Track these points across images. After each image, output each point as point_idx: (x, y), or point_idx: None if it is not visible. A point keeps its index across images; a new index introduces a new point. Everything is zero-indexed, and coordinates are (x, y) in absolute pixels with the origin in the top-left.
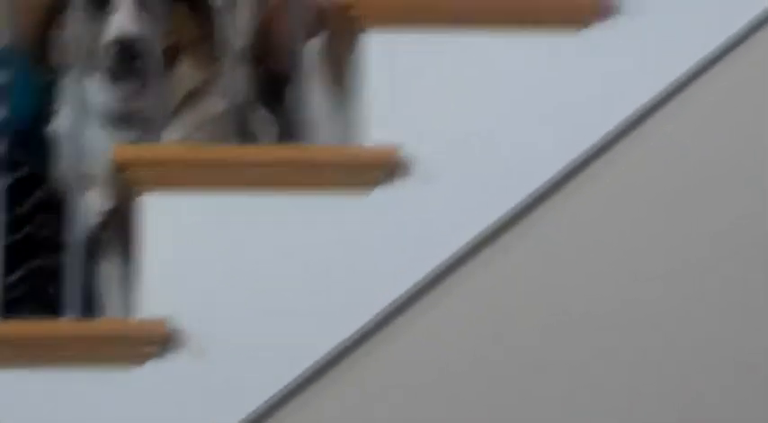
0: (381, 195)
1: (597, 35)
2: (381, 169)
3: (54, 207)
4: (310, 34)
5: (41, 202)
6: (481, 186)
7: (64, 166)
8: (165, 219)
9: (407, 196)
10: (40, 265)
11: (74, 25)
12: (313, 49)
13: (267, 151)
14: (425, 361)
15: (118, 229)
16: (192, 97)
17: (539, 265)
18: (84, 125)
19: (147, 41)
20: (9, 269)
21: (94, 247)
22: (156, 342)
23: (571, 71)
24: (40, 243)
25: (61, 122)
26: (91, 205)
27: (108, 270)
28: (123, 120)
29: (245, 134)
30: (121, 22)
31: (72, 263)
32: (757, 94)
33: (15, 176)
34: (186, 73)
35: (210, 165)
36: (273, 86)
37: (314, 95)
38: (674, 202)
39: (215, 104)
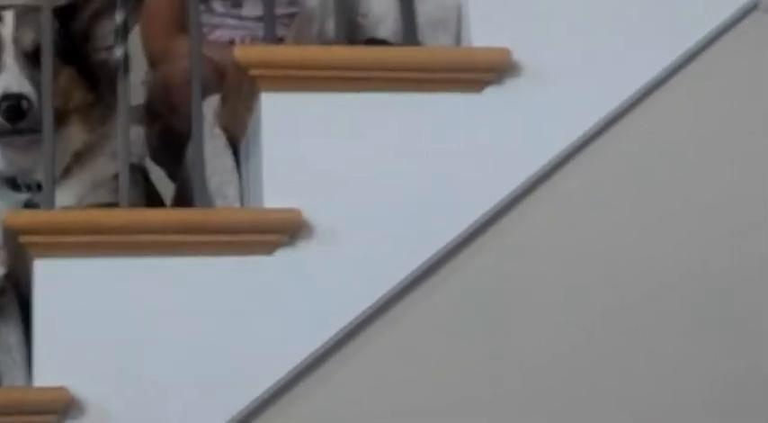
0: (285, 256)
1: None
2: (284, 232)
3: None
4: (207, 91)
5: None
6: (384, 249)
7: None
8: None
9: (309, 258)
10: None
11: None
12: (210, 106)
13: (165, 215)
14: None
15: (14, 294)
16: (81, 159)
17: None
18: None
19: (32, 100)
20: None
21: None
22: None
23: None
24: None
25: None
26: None
27: (6, 337)
28: (13, 181)
29: (141, 195)
30: (7, 80)
31: None
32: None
33: None
34: (75, 135)
35: (104, 230)
36: (171, 144)
37: (212, 154)
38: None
39: (106, 166)
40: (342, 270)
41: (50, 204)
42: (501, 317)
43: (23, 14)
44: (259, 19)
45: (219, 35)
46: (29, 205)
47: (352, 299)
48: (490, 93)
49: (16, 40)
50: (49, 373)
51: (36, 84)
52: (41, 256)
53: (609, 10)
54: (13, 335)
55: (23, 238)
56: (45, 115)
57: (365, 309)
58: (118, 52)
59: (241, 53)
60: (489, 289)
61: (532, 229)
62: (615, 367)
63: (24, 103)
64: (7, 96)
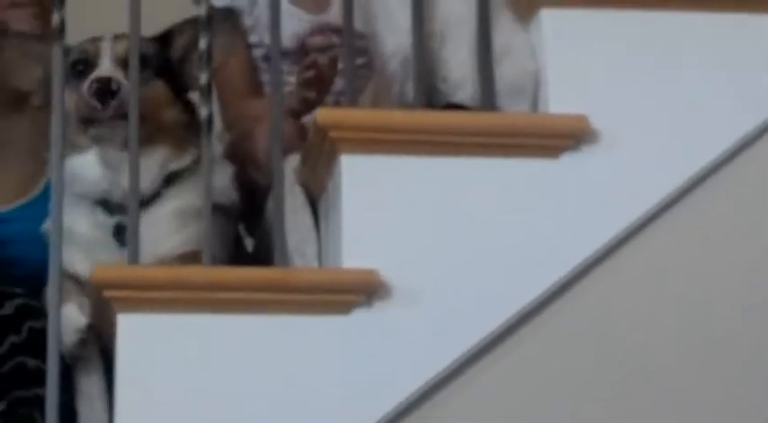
0: (361, 316)
1: (573, 162)
2: (360, 292)
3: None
4: (288, 150)
5: (36, 331)
6: (460, 310)
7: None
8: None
9: (386, 318)
10: (25, 395)
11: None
12: (290, 164)
13: (246, 273)
14: None
15: (96, 345)
16: (171, 183)
17: None
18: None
19: (121, 83)
20: None
21: (74, 365)
22: None
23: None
24: (31, 372)
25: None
26: (68, 321)
27: (88, 387)
28: (105, 203)
29: (230, 240)
30: (100, 69)
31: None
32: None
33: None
34: (165, 155)
35: (187, 287)
36: (250, 199)
37: (291, 211)
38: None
39: (195, 197)
40: (417, 331)
41: (135, 259)
42: (577, 377)
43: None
44: None
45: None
46: (119, 229)
47: (428, 359)
48: (567, 158)
49: (113, 49)
50: None
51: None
52: (126, 311)
53: (686, 79)
54: (95, 386)
55: (108, 293)
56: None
57: (440, 370)
58: (203, 112)
59: (322, 115)
60: (569, 346)
61: (609, 294)
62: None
63: (114, 84)
64: (98, 79)
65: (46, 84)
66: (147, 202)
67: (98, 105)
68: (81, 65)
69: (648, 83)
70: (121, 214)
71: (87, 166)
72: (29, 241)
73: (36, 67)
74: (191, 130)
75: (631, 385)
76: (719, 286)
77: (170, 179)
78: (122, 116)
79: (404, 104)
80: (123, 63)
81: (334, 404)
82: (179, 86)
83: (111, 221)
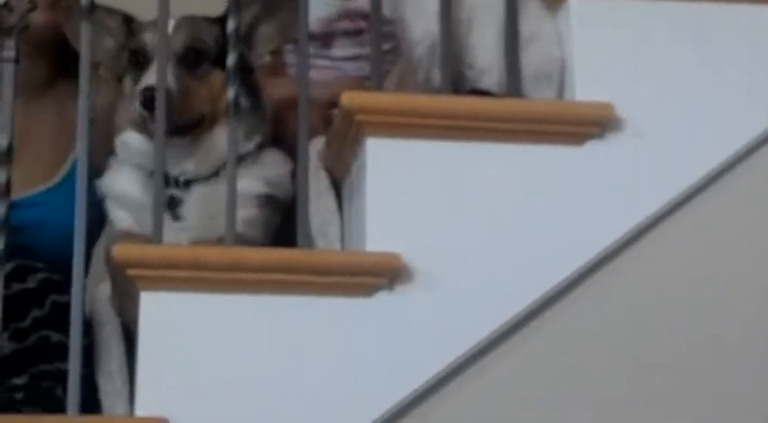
0: (384, 299)
1: (598, 150)
2: (382, 275)
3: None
4: (314, 132)
5: (59, 305)
6: (483, 295)
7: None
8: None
9: (408, 301)
10: (48, 369)
11: None
12: (315, 147)
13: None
14: None
15: (118, 322)
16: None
17: None
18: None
19: (172, 91)
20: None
21: (96, 340)
22: None
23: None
24: (54, 347)
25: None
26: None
27: (108, 363)
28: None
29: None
30: (149, 75)
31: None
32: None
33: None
34: (224, 139)
35: (210, 267)
36: None
37: (315, 194)
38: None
39: (254, 183)
40: (438, 316)
41: (159, 239)
42: (598, 364)
43: (182, 22)
44: (350, 59)
45: (311, 77)
46: (172, 202)
47: (447, 344)
48: (591, 146)
49: (170, 43)
50: (149, 403)
51: (181, 81)
52: (148, 289)
53: (713, 70)
54: (115, 362)
55: (131, 271)
56: (156, 147)
57: (459, 355)
58: (230, 94)
59: (348, 99)
60: (589, 336)
61: (631, 283)
62: None
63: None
64: (147, 88)
65: (115, 56)
66: (206, 178)
67: (146, 114)
68: (141, 56)
69: (675, 73)
70: (176, 188)
71: (140, 141)
72: (52, 227)
73: (108, 38)
74: (256, 114)
75: (647, 377)
76: (740, 277)
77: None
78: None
79: (430, 90)
80: (179, 59)
81: (354, 387)
82: (243, 66)
83: (164, 193)
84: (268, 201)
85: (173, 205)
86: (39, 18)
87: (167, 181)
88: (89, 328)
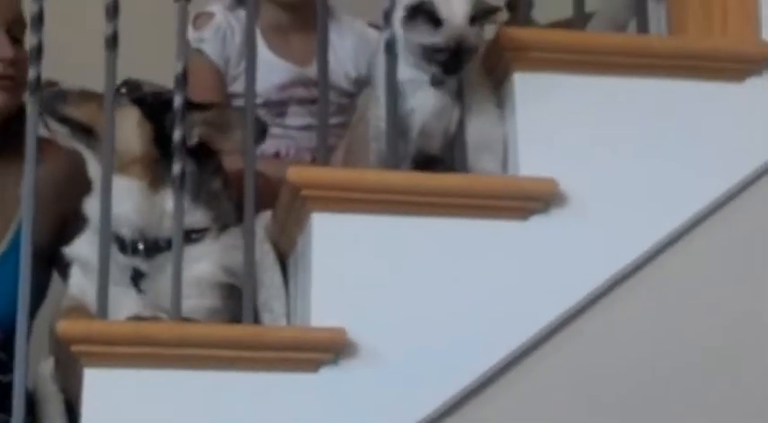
0: (329, 374)
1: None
2: (328, 351)
3: None
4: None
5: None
6: (427, 369)
7: None
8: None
9: (353, 377)
10: None
11: None
12: (261, 221)
13: (212, 330)
14: None
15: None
16: None
17: None
18: None
19: None
20: None
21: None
22: None
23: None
24: None
25: None
26: None
27: None
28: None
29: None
30: None
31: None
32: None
33: None
34: None
35: (154, 343)
36: None
37: (261, 268)
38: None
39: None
40: (384, 390)
41: (103, 314)
42: None
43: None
44: (303, 128)
45: (264, 146)
46: (135, 276)
47: (392, 419)
48: (535, 221)
49: None
50: None
51: None
52: (92, 365)
53: (655, 145)
54: None
55: (75, 347)
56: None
57: None
58: (175, 169)
59: (294, 173)
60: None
61: (576, 357)
62: None
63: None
64: None
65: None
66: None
67: None
68: None
69: (619, 147)
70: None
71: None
72: None
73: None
74: (220, 193)
75: None
76: (689, 346)
77: None
78: None
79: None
80: None
81: None
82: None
83: (128, 263)
84: (231, 292)
85: (135, 278)
86: None
87: (125, 249)
88: (32, 406)
